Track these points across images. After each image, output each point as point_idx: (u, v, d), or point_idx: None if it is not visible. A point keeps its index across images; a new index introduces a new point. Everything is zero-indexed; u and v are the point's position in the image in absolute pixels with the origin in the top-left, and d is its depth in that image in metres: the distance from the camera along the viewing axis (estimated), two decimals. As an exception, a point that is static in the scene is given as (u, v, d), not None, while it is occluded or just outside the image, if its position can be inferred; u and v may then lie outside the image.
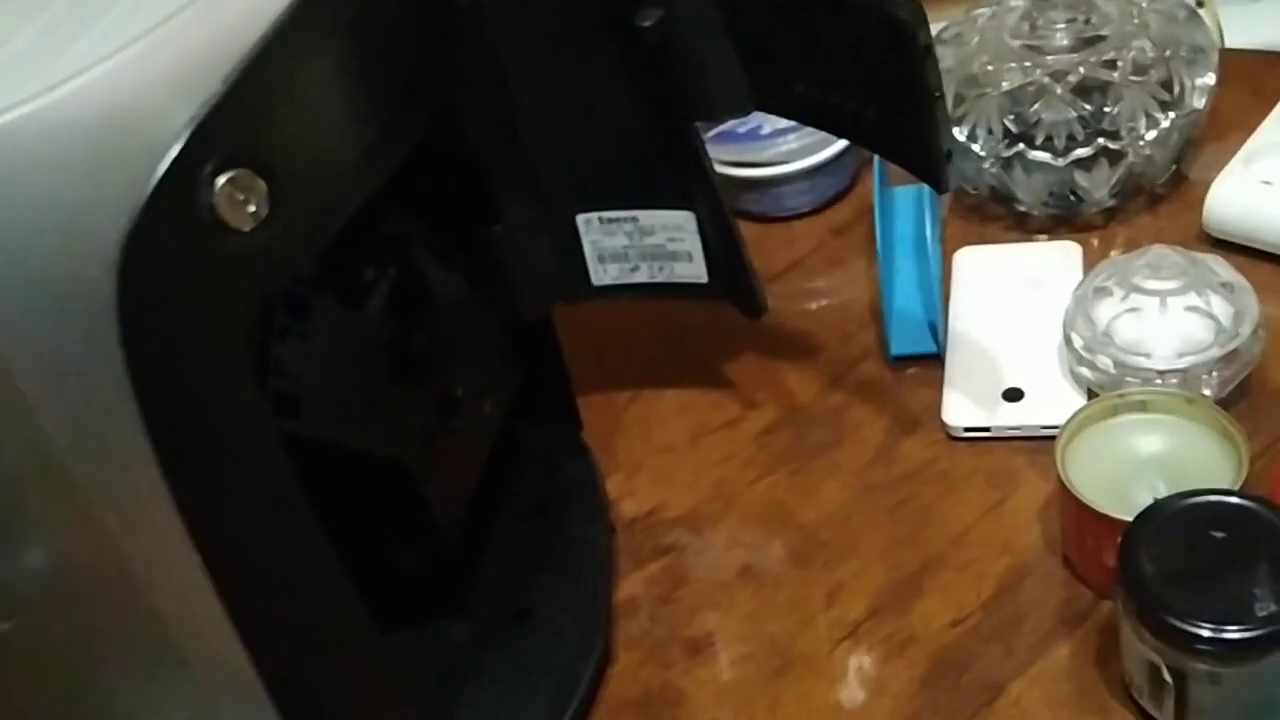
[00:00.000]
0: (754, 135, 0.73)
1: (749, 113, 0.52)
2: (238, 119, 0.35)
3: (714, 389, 0.66)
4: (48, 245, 0.33)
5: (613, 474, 0.62)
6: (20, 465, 0.36)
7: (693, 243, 0.58)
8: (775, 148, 0.73)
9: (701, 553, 0.59)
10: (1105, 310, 0.57)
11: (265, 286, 0.38)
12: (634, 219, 0.58)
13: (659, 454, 0.64)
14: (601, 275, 0.60)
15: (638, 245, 0.58)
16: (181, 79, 0.34)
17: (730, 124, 0.73)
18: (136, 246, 0.33)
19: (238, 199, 0.35)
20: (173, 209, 0.34)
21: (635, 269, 0.59)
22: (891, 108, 0.47)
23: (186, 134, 0.34)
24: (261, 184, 0.36)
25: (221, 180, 0.35)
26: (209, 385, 0.36)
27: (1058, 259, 0.66)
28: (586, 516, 0.59)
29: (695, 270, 0.59)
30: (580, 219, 0.58)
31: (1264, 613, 0.42)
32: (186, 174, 0.34)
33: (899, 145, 0.49)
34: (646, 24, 0.49)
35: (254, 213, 0.36)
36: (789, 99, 0.51)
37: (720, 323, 0.63)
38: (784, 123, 0.72)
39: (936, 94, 0.45)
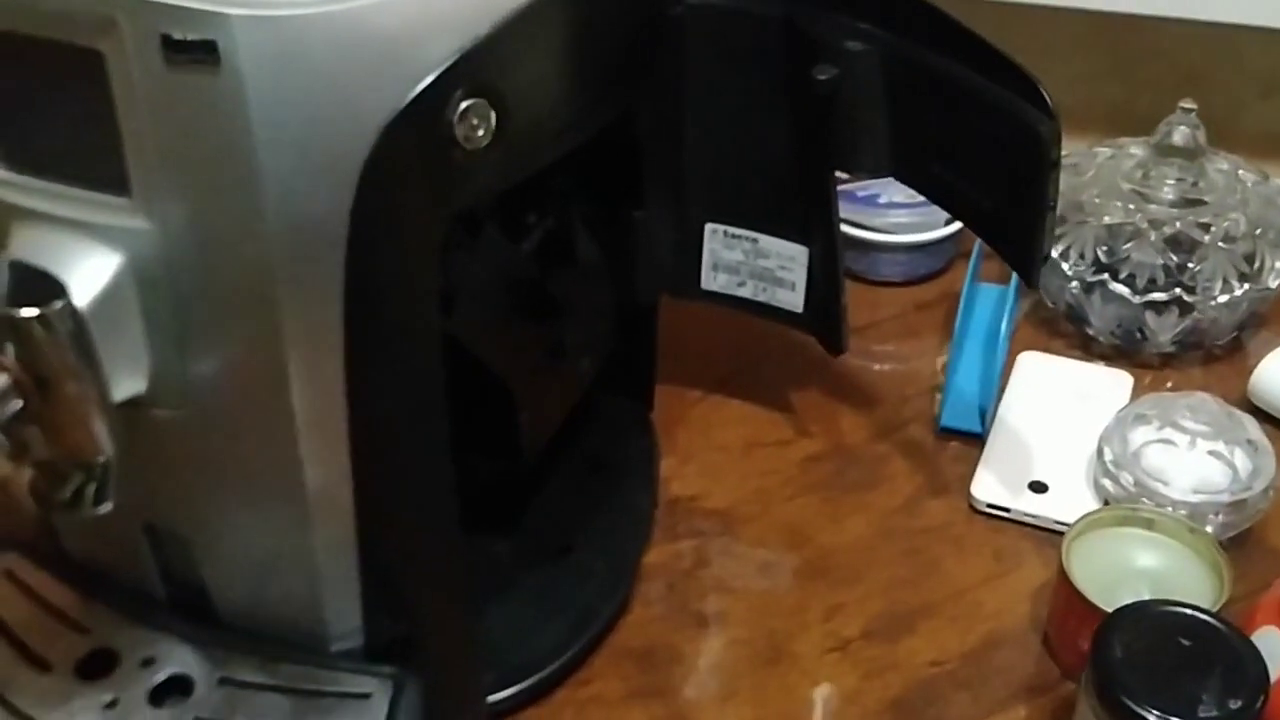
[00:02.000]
0: (871, 201, 0.80)
1: (885, 176, 0.59)
2: (493, 59, 0.42)
3: (775, 410, 0.73)
4: (325, 117, 0.40)
5: (668, 456, 0.69)
6: (234, 288, 0.43)
7: (799, 275, 0.65)
8: (886, 218, 0.80)
9: (728, 545, 0.65)
10: (1140, 435, 0.64)
11: (467, 200, 0.45)
12: (755, 240, 0.65)
13: (712, 451, 0.71)
14: (711, 281, 0.67)
15: (750, 264, 0.65)
16: (463, 15, 0.41)
17: (854, 185, 0.80)
18: (387, 139, 0.41)
19: (472, 123, 0.43)
20: (423, 118, 0.41)
21: (742, 284, 0.66)
22: (1009, 204, 0.54)
23: (451, 60, 0.41)
24: (493, 117, 0.43)
25: (465, 105, 0.42)
26: (405, 264, 0.43)
27: (1109, 383, 0.72)
28: (637, 485, 0.66)
29: (794, 299, 0.66)
30: (708, 227, 0.65)
31: (1205, 715, 0.49)
32: (442, 92, 0.41)
33: (1006, 238, 0.56)
34: (821, 77, 0.56)
35: (480, 138, 0.43)
36: (922, 174, 0.58)
37: (797, 353, 0.70)
38: (901, 196, 0.79)
39: (1051, 204, 0.52)
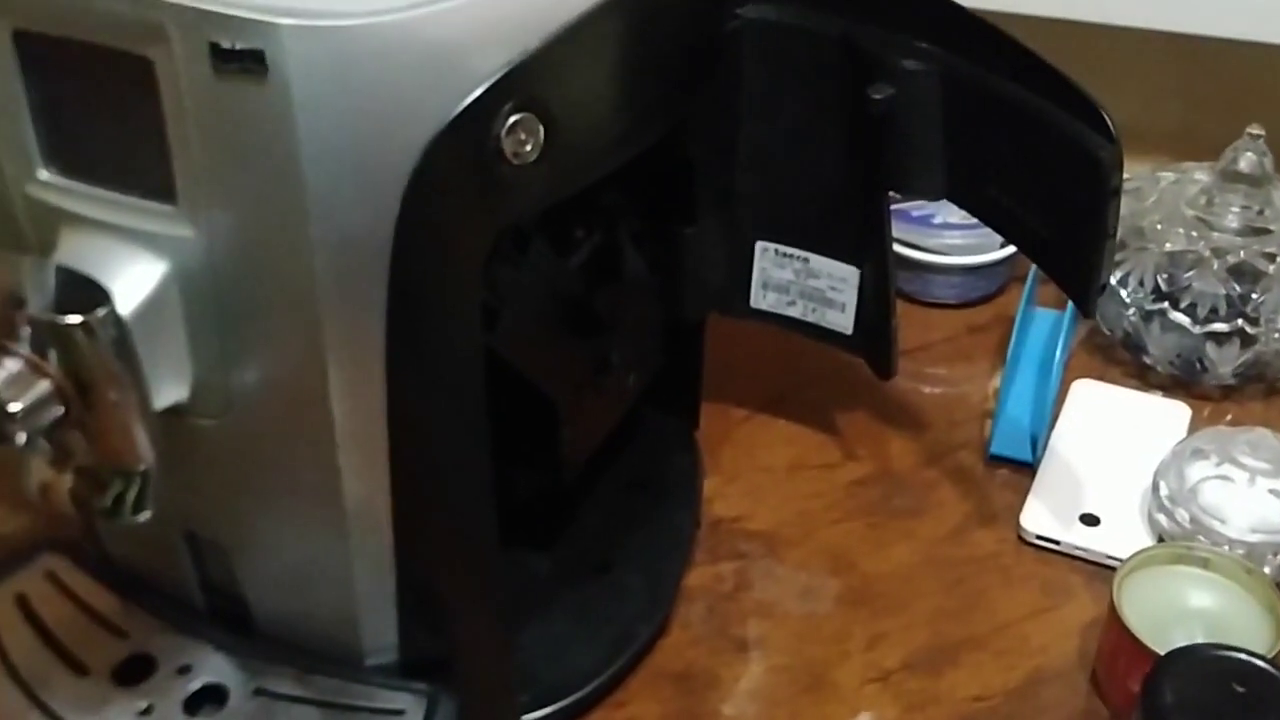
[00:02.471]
0: (925, 221, 0.78)
1: (940, 198, 0.58)
2: (542, 74, 0.42)
3: (822, 432, 0.72)
4: (372, 129, 0.40)
5: (712, 475, 0.68)
6: (276, 297, 0.43)
7: (850, 296, 0.64)
8: (940, 239, 0.78)
9: (770, 568, 0.64)
10: (1197, 471, 0.62)
11: (513, 214, 0.45)
12: (806, 260, 0.64)
13: (757, 472, 0.70)
14: (760, 300, 0.66)
15: (801, 284, 0.64)
16: (512, 29, 0.41)
17: (908, 205, 0.79)
18: (435, 150, 0.40)
19: (520, 137, 0.42)
20: (470, 131, 0.41)
21: (791, 303, 0.65)
22: (1067, 232, 0.53)
23: (501, 74, 0.41)
24: (542, 131, 0.42)
25: (513, 119, 0.42)
26: (449, 277, 0.43)
27: (1166, 414, 0.71)
28: (680, 503, 0.65)
29: (843, 321, 0.65)
30: (759, 245, 0.64)
31: (1259, 764, 0.47)
32: (491, 105, 0.41)
33: (1063, 265, 0.55)
34: (877, 96, 0.55)
35: (528, 152, 0.42)
36: (978, 197, 0.57)
37: (846, 373, 0.69)
38: (955, 217, 0.78)
39: (1111, 232, 0.51)
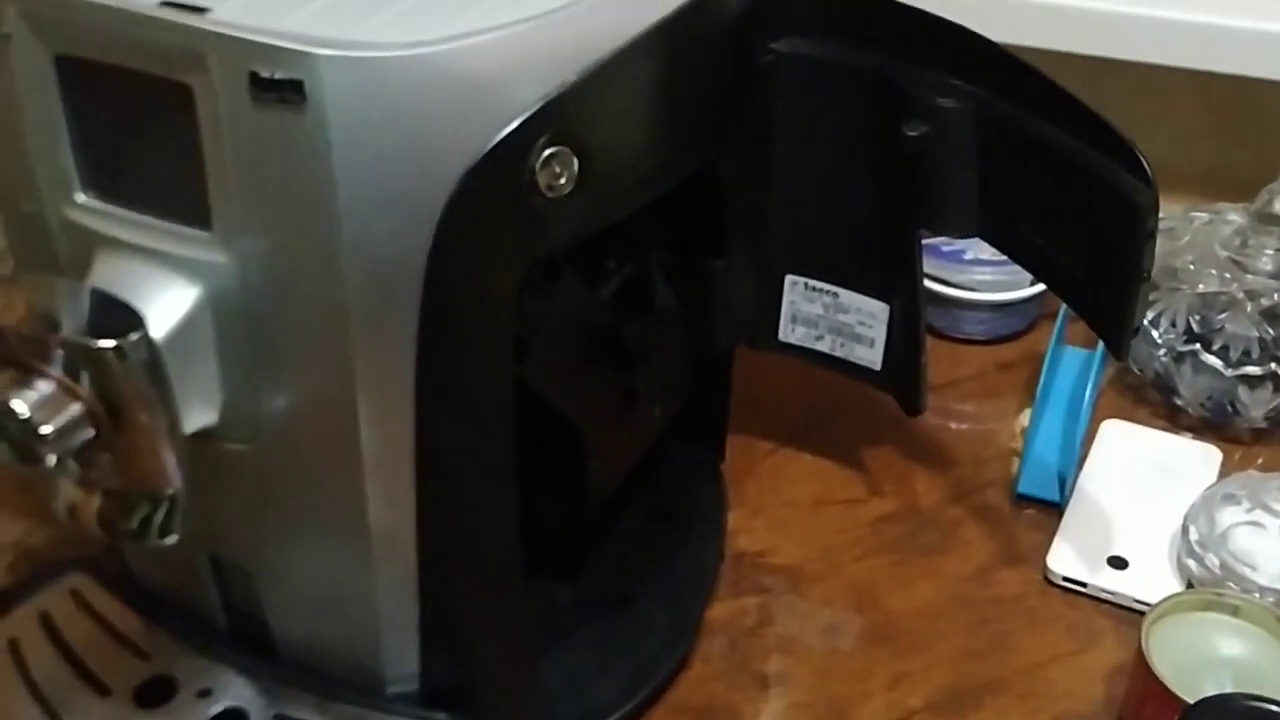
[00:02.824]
0: (955, 257, 0.78)
1: (972, 236, 0.58)
2: (577, 107, 0.42)
3: (848, 467, 0.72)
4: (407, 159, 0.40)
5: (737, 508, 0.68)
6: (308, 325, 0.43)
7: (879, 332, 0.63)
8: (970, 274, 0.78)
9: (793, 603, 0.64)
10: (1228, 516, 0.62)
11: (546, 247, 0.45)
12: (835, 295, 0.63)
13: (782, 506, 0.69)
14: (788, 333, 0.65)
15: (829, 318, 0.64)
16: (549, 62, 0.41)
17: (938, 240, 0.78)
18: (468, 183, 0.40)
19: (555, 170, 0.42)
20: (505, 163, 0.41)
21: (820, 338, 0.65)
22: (1100, 274, 0.53)
23: (537, 107, 0.41)
24: (576, 165, 0.42)
25: (548, 152, 0.42)
26: (480, 309, 0.43)
27: (1197, 457, 0.70)
28: (704, 536, 0.65)
29: (872, 356, 0.64)
30: (789, 279, 0.64)
31: (1288, 819, 0.46)
32: (525, 139, 0.41)
33: (1095, 307, 0.54)
34: (911, 133, 0.55)
35: (562, 185, 0.42)
36: (1011, 236, 0.57)
37: (873, 408, 0.69)
38: (985, 253, 0.78)
39: (1145, 275, 0.50)
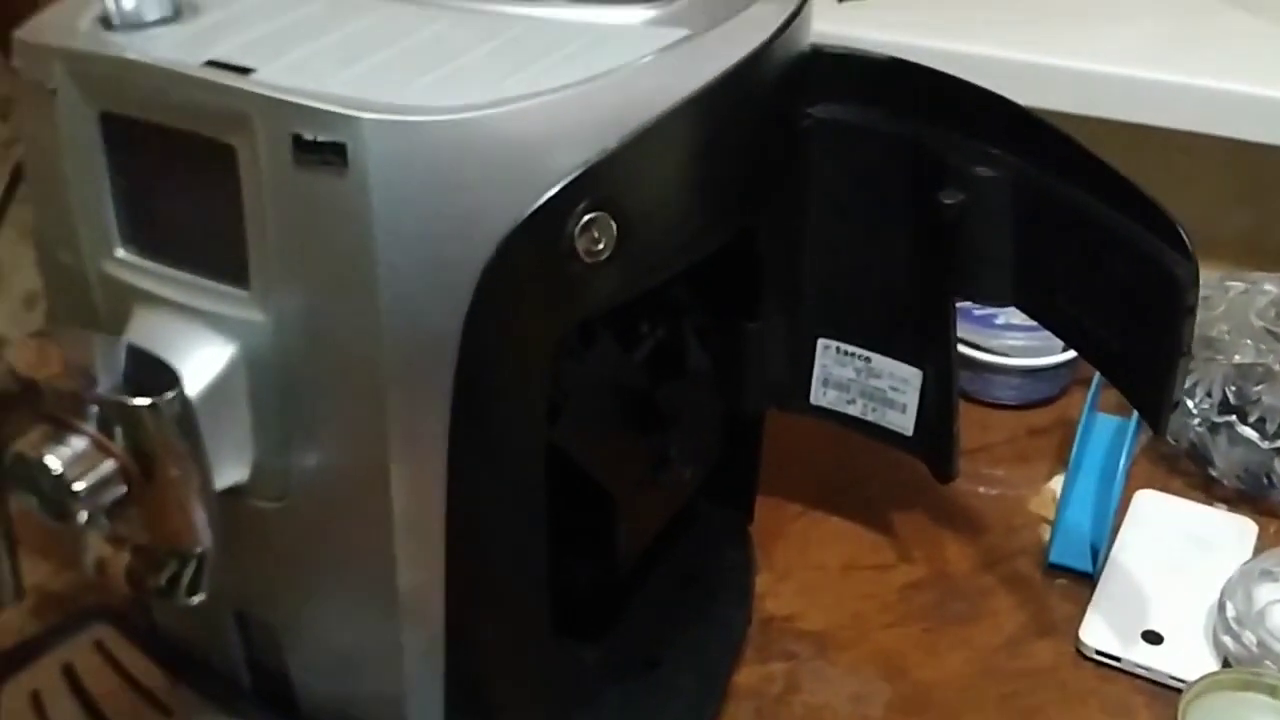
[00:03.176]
0: (987, 321, 0.78)
1: (1007, 305, 0.57)
2: (617, 174, 0.42)
3: (878, 532, 0.71)
4: (447, 223, 0.40)
5: (765, 571, 0.67)
6: (342, 385, 0.43)
7: (911, 397, 0.63)
8: (1002, 339, 0.77)
9: (820, 670, 0.63)
10: (1266, 593, 0.61)
11: (583, 312, 0.45)
12: (868, 359, 0.63)
13: (810, 570, 0.69)
14: (820, 397, 0.65)
15: (861, 383, 0.64)
16: (589, 130, 0.41)
17: (970, 304, 0.78)
18: (507, 248, 0.40)
19: (593, 236, 0.42)
20: (544, 229, 0.41)
21: (851, 402, 0.65)
22: (1138, 346, 0.52)
23: (577, 173, 0.41)
24: (614, 230, 0.42)
25: (587, 218, 0.42)
26: (514, 372, 0.43)
27: (1232, 531, 0.69)
28: (731, 600, 0.64)
29: (904, 422, 0.64)
30: (821, 342, 0.63)
31: None
32: (565, 205, 0.41)
33: (1132, 381, 0.54)
34: (948, 201, 0.55)
35: (600, 251, 0.42)
36: (1047, 306, 0.56)
37: (904, 472, 0.68)
38: (1018, 318, 0.77)
39: (1185, 350, 0.50)
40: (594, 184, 0.41)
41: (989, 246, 0.56)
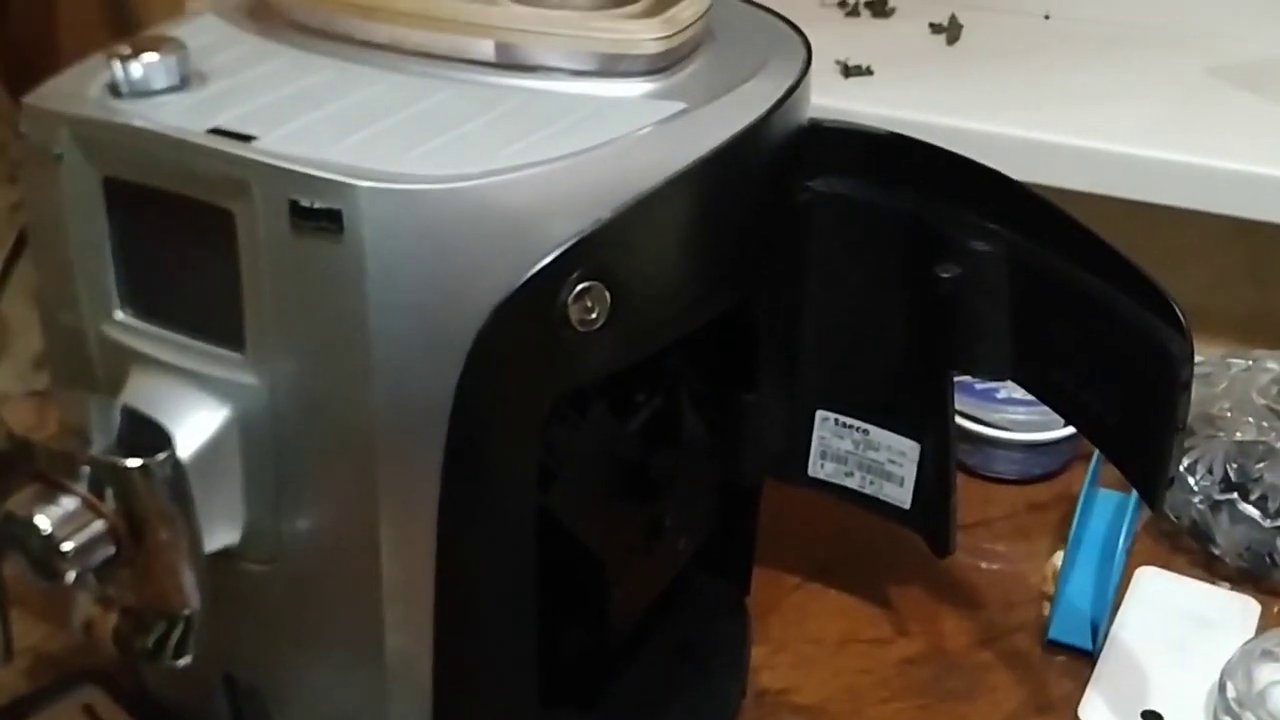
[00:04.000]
0: (989, 395, 0.78)
1: (1004, 379, 0.57)
2: (612, 244, 0.42)
3: (875, 605, 0.70)
4: (441, 290, 0.40)
5: (760, 644, 0.67)
6: (334, 450, 0.43)
7: (909, 470, 0.63)
8: (1003, 413, 0.77)
9: (815, 745, 0.63)
10: (1267, 673, 0.60)
11: (575, 380, 0.45)
12: (866, 432, 0.63)
13: (806, 643, 0.68)
14: (818, 469, 0.65)
15: (859, 455, 0.64)
16: (583, 200, 0.42)
17: (971, 378, 0.78)
18: (499, 316, 0.41)
19: (587, 305, 0.42)
20: (537, 298, 0.41)
21: (849, 474, 0.65)
22: (1134, 423, 0.52)
23: (570, 243, 0.41)
24: (608, 299, 0.43)
25: (580, 287, 0.42)
26: (505, 439, 0.43)
27: (1235, 610, 0.68)
28: (725, 671, 0.64)
29: (901, 495, 0.64)
30: (819, 414, 0.63)
31: None
32: (558, 274, 0.41)
33: (1128, 456, 0.54)
34: (945, 275, 0.55)
35: (594, 320, 0.43)
36: (1043, 381, 0.56)
37: (902, 545, 0.68)
38: (1019, 392, 0.76)
39: (1180, 426, 0.50)
40: (588, 253, 0.42)
41: (986, 321, 0.56)
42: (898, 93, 0.91)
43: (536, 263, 0.41)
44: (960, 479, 0.78)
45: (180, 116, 0.43)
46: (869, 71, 0.95)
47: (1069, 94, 0.91)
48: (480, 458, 0.43)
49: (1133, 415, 0.52)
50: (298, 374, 0.42)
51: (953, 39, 0.99)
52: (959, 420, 0.78)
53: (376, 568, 0.44)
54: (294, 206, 0.39)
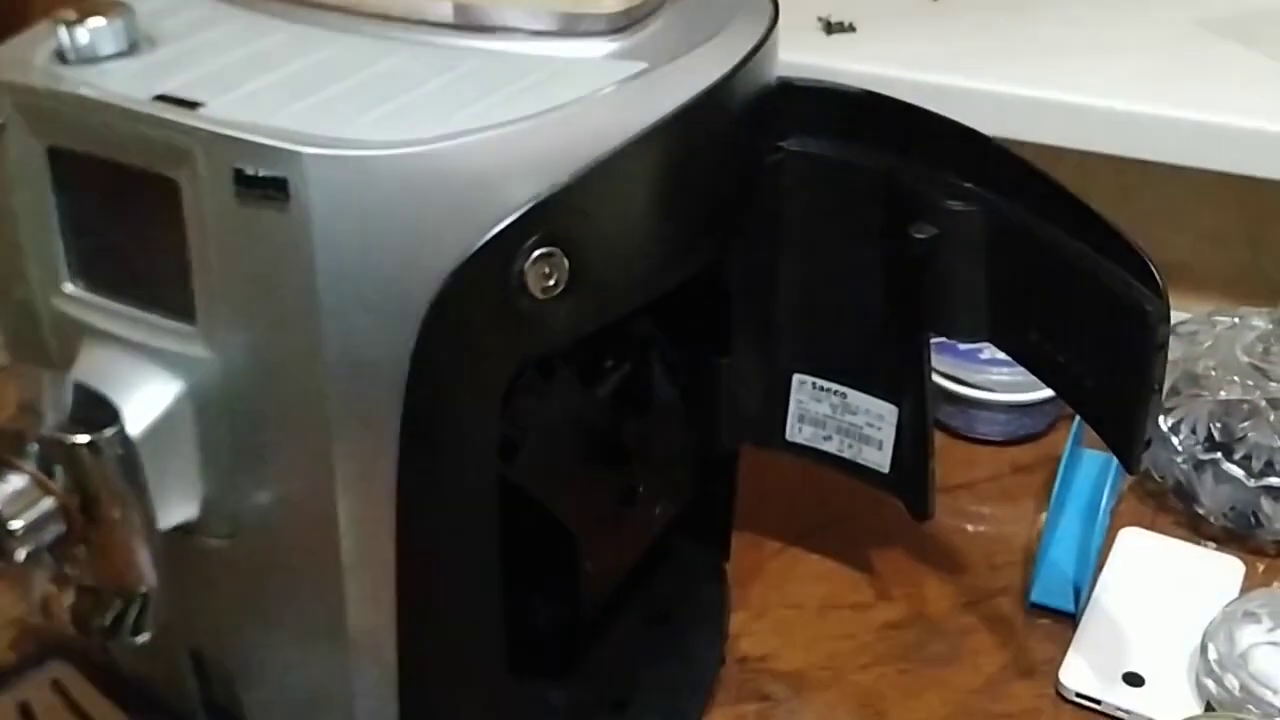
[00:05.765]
0: (972, 356, 0.77)
1: (981, 341, 0.56)
2: (569, 209, 0.41)
3: (857, 570, 0.70)
4: (392, 258, 0.39)
5: (740, 610, 0.66)
6: (288, 423, 0.42)
7: (887, 434, 0.62)
8: (986, 374, 0.76)
9: (795, 711, 0.62)
10: (1248, 635, 0.59)
11: (535, 348, 0.44)
12: (843, 395, 0.62)
13: (787, 609, 0.67)
14: (796, 433, 0.64)
15: (837, 419, 0.63)
16: (541, 163, 0.41)
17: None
18: (454, 284, 0.40)
19: (544, 271, 0.41)
20: (493, 264, 0.40)
21: (828, 438, 0.64)
22: (1110, 384, 0.51)
23: (527, 208, 0.40)
24: (567, 265, 0.42)
25: (538, 253, 0.41)
26: (464, 409, 0.42)
27: (1218, 570, 0.68)
28: (704, 639, 0.63)
29: (880, 459, 0.63)
30: (796, 378, 0.63)
31: None
32: (514, 239, 0.40)
33: (1105, 418, 0.53)
34: (919, 236, 0.54)
35: (552, 287, 0.42)
36: (1020, 342, 0.55)
37: (885, 509, 0.67)
38: (1002, 353, 0.76)
39: (1156, 387, 0.49)
40: (545, 219, 0.41)
41: (962, 282, 0.55)
42: (881, 49, 0.89)
43: (491, 229, 0.40)
44: (943, 441, 0.78)
45: (127, 83, 0.42)
46: (852, 28, 0.93)
47: (1057, 49, 0.89)
48: (438, 429, 0.42)
49: (1109, 377, 0.51)
50: (249, 346, 0.41)
51: (938, -6, 0.98)
52: (942, 382, 0.77)
53: (335, 542, 0.43)
54: (238, 175, 0.38)
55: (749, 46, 0.48)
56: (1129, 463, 0.51)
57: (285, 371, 0.41)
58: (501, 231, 0.40)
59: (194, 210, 0.40)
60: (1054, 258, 0.52)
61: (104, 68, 0.43)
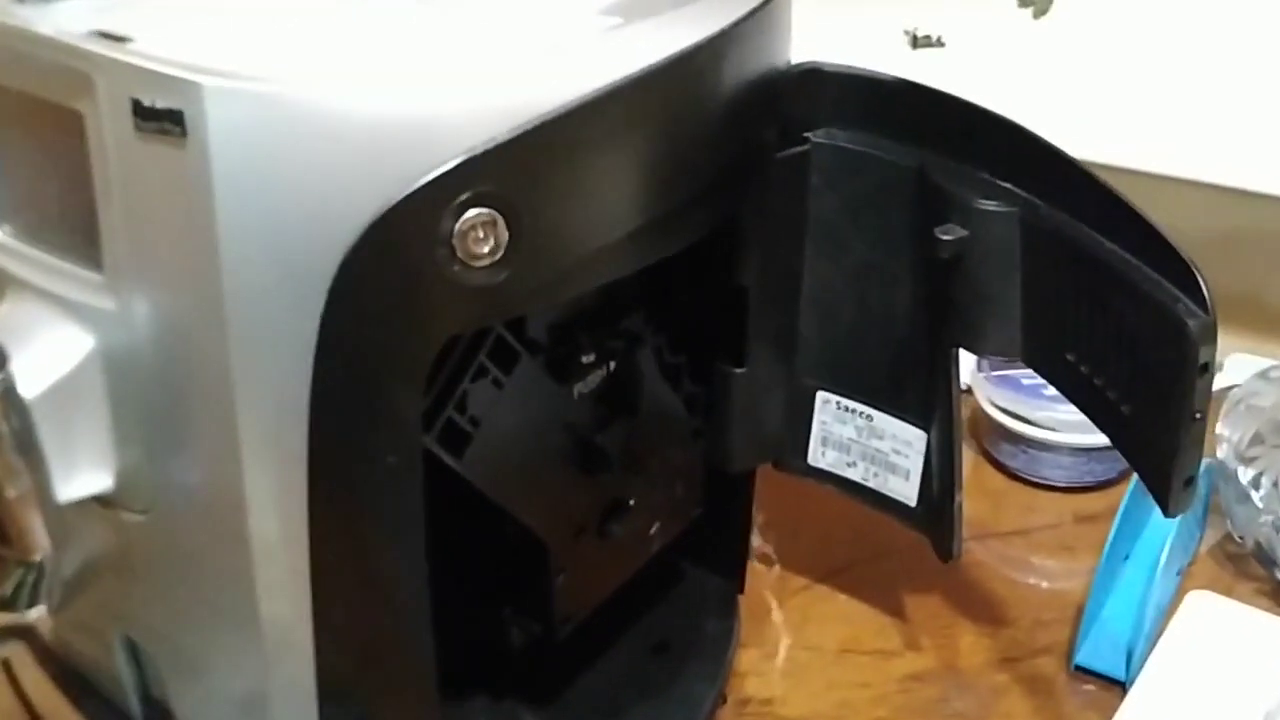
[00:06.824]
0: (1035, 392, 0.70)
1: (1014, 357, 0.50)
2: (508, 167, 0.37)
3: (885, 613, 0.64)
4: (299, 208, 0.36)
5: (750, 647, 0.61)
6: (192, 388, 0.39)
7: (915, 462, 0.56)
8: (1051, 412, 0.70)
9: (794, 764, 0.56)
10: (1315, 718, 0.51)
11: (466, 321, 0.40)
12: (870, 417, 0.57)
13: (802, 650, 0.62)
14: (818, 457, 0.59)
15: (863, 444, 0.57)
16: (479, 113, 0.36)
17: (1017, 371, 0.71)
18: (369, 241, 0.36)
19: (477, 235, 0.37)
20: (418, 218, 0.36)
21: (852, 465, 0.58)
22: (1148, 411, 0.45)
23: (459, 160, 0.36)
24: (505, 232, 0.38)
25: (471, 213, 0.37)
26: (381, 384, 0.38)
27: (1295, 645, 0.60)
28: (704, 675, 0.58)
29: (907, 490, 0.57)
30: (820, 395, 0.57)
31: None
32: (442, 194, 0.36)
33: (1141, 450, 0.46)
34: (946, 238, 0.48)
35: (488, 253, 0.37)
36: (1055, 362, 0.49)
37: (924, 552, 0.61)
38: (1073, 392, 0.69)
39: (1197, 414, 0.42)
40: (477, 176, 0.36)
41: (993, 290, 0.49)
42: (969, 67, 0.84)
43: (413, 182, 0.36)
44: (1001, 483, 0.71)
45: (71, 21, 0.39)
46: (940, 43, 0.88)
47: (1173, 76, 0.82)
48: (351, 405, 0.38)
49: (1148, 402, 0.45)
50: (153, 299, 0.38)
51: (1040, 12, 0.92)
52: (1001, 418, 0.71)
53: (244, 524, 0.39)
54: (136, 106, 0.35)
55: (741, 12, 0.43)
56: (1165, 502, 0.44)
57: (187, 330, 0.37)
58: (427, 185, 0.36)
59: (97, 145, 0.36)
60: (1093, 266, 0.46)
61: (56, 6, 0.40)
